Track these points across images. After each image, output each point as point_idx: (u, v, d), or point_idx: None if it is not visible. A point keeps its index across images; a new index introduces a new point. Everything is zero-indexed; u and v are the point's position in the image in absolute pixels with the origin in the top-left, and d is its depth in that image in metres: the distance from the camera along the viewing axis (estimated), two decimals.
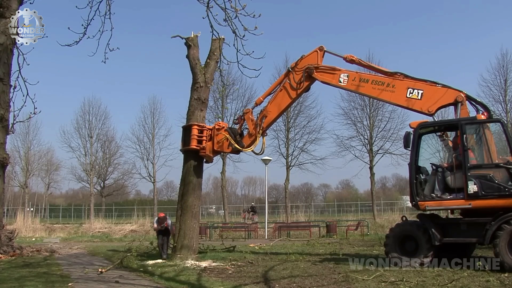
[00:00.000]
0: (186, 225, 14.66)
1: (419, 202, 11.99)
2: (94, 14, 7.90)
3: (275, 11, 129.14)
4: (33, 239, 28.86)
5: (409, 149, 12.41)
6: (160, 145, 47.41)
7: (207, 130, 15.09)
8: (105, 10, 8.02)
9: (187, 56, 15.62)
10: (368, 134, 39.51)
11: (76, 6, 7.55)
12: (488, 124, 11.77)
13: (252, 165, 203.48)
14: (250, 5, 6.80)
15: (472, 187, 11.10)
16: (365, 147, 39.79)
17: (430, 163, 12.67)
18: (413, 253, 11.78)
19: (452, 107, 12.56)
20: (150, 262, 14.50)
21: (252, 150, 15.35)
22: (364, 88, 13.34)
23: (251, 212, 41.59)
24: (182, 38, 15.55)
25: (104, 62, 8.50)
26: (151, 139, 47.34)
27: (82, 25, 7.79)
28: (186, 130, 15.16)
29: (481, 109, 12.51)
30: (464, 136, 11.47)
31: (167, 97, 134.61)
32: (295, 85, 14.33)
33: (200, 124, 15.07)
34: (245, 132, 15.42)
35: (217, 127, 15.23)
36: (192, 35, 15.62)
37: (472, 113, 12.14)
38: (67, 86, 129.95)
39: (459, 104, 11.89)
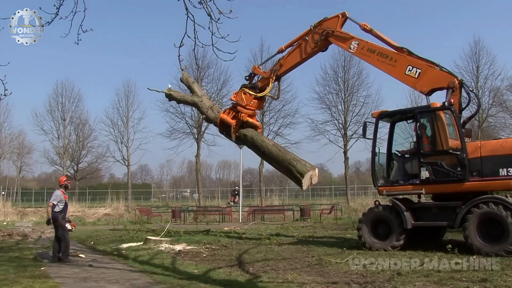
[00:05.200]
0: None
1: (378, 188, 12.86)
2: None
3: None
4: (5, 223, 28.45)
5: (368, 138, 12.92)
6: (134, 128, 46.42)
7: (228, 109, 14.86)
8: None
9: (178, 102, 16.31)
10: (343, 118, 39.69)
11: None
12: (441, 111, 11.95)
13: (226, 149, 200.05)
14: None
15: (424, 173, 11.68)
16: (340, 131, 39.93)
17: (395, 150, 13.07)
18: (385, 237, 12.07)
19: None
20: (124, 245, 14.44)
21: (268, 94, 15.24)
22: (369, 58, 13.43)
23: (237, 195, 41.67)
24: (160, 92, 16.54)
25: (77, 43, 8.29)
26: (125, 122, 46.56)
27: (54, 5, 7.58)
28: (223, 125, 14.86)
29: (475, 98, 12.80)
30: (418, 124, 11.98)
31: (142, 80, 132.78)
32: (312, 44, 14.32)
33: (221, 111, 14.97)
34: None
35: (232, 99, 15.01)
36: (166, 89, 16.62)
37: (465, 101, 12.25)
38: (40, 67, 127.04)
39: (450, 89, 11.98)
